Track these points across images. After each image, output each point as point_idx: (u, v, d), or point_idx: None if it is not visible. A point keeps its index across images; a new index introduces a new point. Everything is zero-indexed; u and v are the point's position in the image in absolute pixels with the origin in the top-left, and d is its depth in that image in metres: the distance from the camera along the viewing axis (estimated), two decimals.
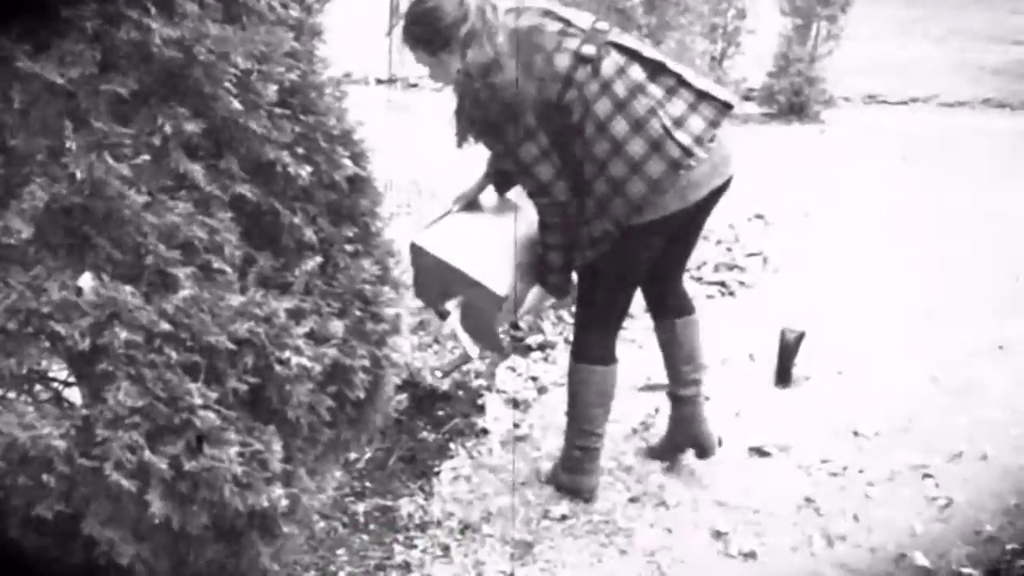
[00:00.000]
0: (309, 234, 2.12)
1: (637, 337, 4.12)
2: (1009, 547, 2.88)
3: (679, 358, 3.15)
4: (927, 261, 5.12)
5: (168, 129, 1.87)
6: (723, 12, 8.25)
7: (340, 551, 2.86)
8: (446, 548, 2.90)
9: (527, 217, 2.87)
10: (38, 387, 2.06)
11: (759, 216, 5.85)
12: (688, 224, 2.88)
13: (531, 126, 2.66)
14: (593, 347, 2.99)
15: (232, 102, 1.91)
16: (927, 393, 3.81)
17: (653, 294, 3.14)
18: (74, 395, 2.07)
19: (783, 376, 3.87)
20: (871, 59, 9.80)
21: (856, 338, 4.24)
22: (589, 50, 2.66)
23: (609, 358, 3.01)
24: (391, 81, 4.48)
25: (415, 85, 7.81)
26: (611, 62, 2.68)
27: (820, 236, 5.49)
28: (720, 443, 3.25)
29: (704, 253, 5.19)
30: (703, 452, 3.23)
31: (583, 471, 3.10)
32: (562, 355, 4.14)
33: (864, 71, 9.42)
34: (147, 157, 1.87)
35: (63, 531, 1.97)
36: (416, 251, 2.91)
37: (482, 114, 2.68)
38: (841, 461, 3.35)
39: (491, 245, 2.87)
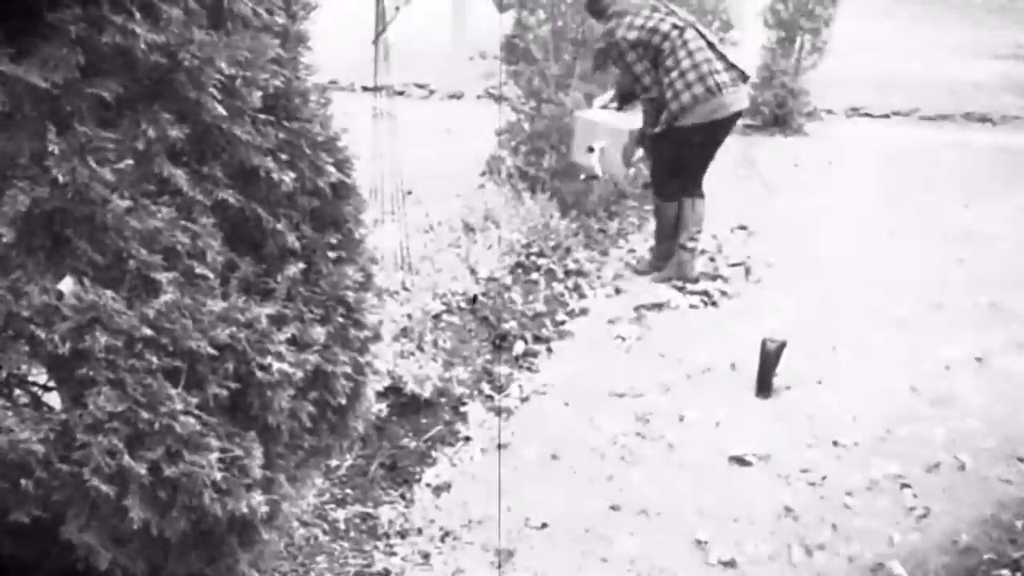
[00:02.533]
0: (292, 240, 2.13)
1: None
2: (986, 557, 2.91)
3: (691, 222, 5.06)
4: (907, 273, 5.16)
5: (152, 134, 1.87)
6: (708, 24, 8.28)
7: (320, 558, 2.85)
8: (426, 556, 2.89)
9: (632, 115, 5.23)
10: (17, 391, 2.05)
11: (742, 227, 5.88)
12: (715, 134, 4.96)
13: (641, 54, 4.83)
14: (661, 190, 5.15)
15: (216, 108, 1.91)
16: (906, 404, 3.84)
17: (683, 183, 5.07)
18: (54, 400, 2.06)
19: (764, 386, 3.89)
20: (854, 72, 9.87)
21: (836, 349, 4.27)
22: (680, 23, 4.83)
23: (671, 197, 5.09)
24: (377, 89, 4.47)
25: (401, 93, 7.80)
26: (691, 32, 4.82)
27: (802, 247, 5.53)
28: (698, 279, 5.05)
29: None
30: (687, 281, 5.06)
31: (663, 259, 5.18)
32: (544, 363, 4.16)
33: (847, 84, 9.49)
34: (130, 162, 1.86)
35: (41, 536, 1.96)
36: (579, 120, 5.37)
37: (618, 49, 4.88)
38: (820, 471, 3.37)
39: (619, 120, 5.21)
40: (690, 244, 5.06)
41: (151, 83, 1.89)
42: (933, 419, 3.71)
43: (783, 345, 3.88)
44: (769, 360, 3.87)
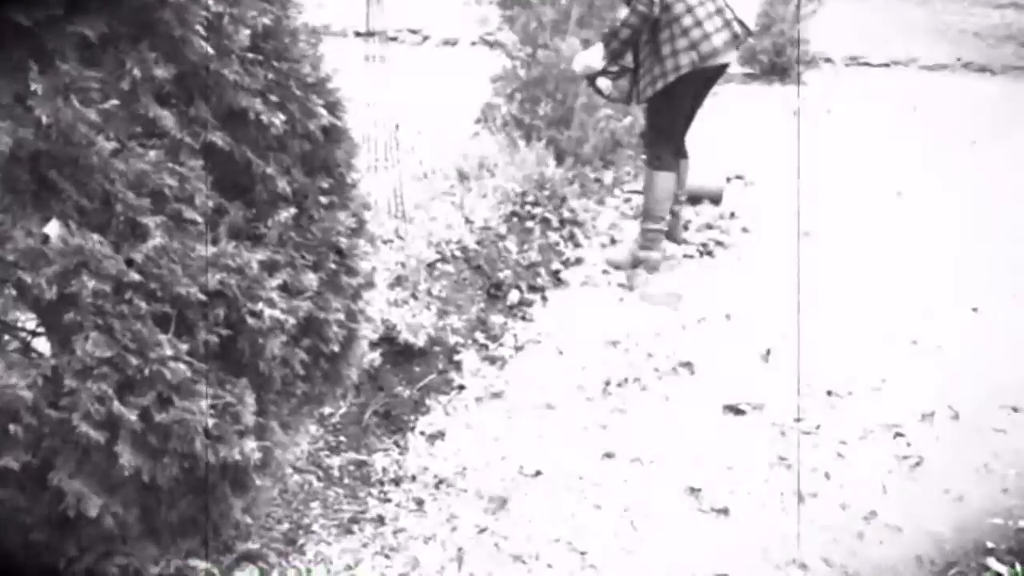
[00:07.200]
0: (283, 185, 2.09)
1: None
2: (979, 505, 2.92)
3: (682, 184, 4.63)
4: (904, 223, 5.13)
5: (137, 73, 1.82)
6: None
7: (314, 504, 2.85)
8: (420, 502, 2.90)
9: None
10: (6, 337, 2.03)
11: (739, 177, 5.84)
12: (703, 89, 4.42)
13: None
14: (661, 157, 4.43)
15: (203, 46, 1.86)
16: (900, 353, 3.83)
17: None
18: (42, 345, 2.04)
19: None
20: (853, 21, 9.74)
21: (831, 298, 4.26)
22: None
23: (672, 165, 4.45)
24: (369, 34, 4.39)
25: (394, 39, 7.69)
26: None
27: (799, 197, 5.48)
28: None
29: (684, 213, 5.17)
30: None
31: (654, 248, 4.49)
32: (539, 312, 4.14)
33: (846, 33, 9.37)
34: (115, 102, 1.82)
35: (30, 483, 1.95)
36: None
37: None
38: (814, 420, 3.37)
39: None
40: (674, 207, 4.71)
41: (136, 21, 1.84)
42: (927, 369, 3.71)
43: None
44: None
